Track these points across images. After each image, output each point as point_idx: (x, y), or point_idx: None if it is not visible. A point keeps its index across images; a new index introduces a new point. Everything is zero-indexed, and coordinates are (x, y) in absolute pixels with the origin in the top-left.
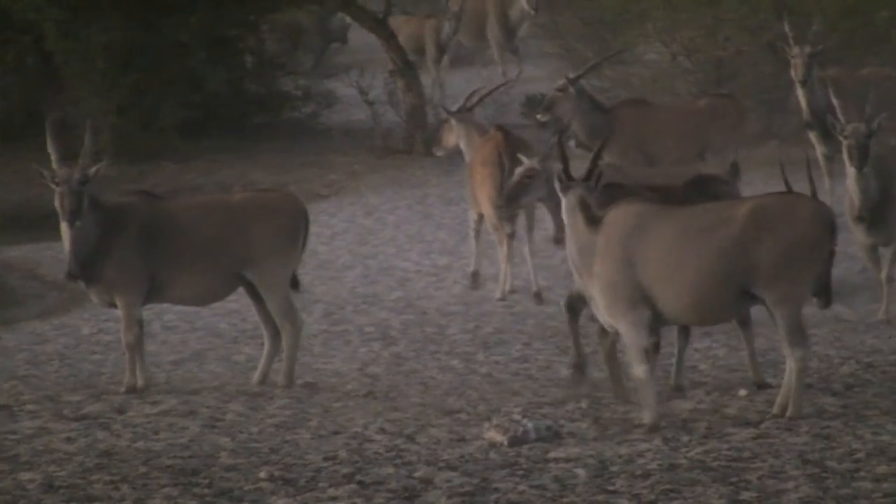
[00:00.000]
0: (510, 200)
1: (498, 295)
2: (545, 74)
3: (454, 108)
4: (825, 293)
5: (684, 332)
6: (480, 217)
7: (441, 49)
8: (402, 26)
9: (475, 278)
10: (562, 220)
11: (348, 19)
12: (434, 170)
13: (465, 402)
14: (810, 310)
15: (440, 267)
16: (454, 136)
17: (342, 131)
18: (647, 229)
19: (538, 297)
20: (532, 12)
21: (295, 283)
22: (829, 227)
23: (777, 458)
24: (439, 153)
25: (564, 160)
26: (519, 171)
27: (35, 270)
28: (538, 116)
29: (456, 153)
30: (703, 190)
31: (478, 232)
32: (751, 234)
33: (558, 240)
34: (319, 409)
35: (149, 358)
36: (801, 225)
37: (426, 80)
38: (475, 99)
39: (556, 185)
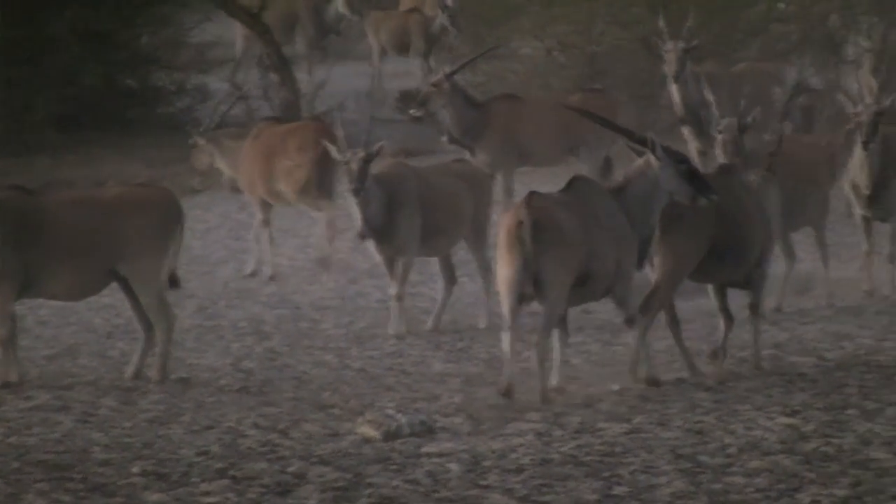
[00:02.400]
0: (361, 184)
1: (322, 258)
2: (419, 69)
3: (200, 129)
4: None
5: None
6: (265, 204)
7: (430, 42)
8: (381, 21)
9: (254, 274)
10: (372, 213)
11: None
12: None
13: (339, 397)
14: (683, 304)
15: (314, 262)
16: (207, 156)
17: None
18: None
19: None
20: (345, 14)
21: (175, 281)
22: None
23: (650, 452)
24: (198, 186)
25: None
26: (358, 157)
27: None
28: (412, 111)
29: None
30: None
31: (266, 221)
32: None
33: (363, 235)
34: (192, 404)
35: (22, 353)
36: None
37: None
38: (217, 116)
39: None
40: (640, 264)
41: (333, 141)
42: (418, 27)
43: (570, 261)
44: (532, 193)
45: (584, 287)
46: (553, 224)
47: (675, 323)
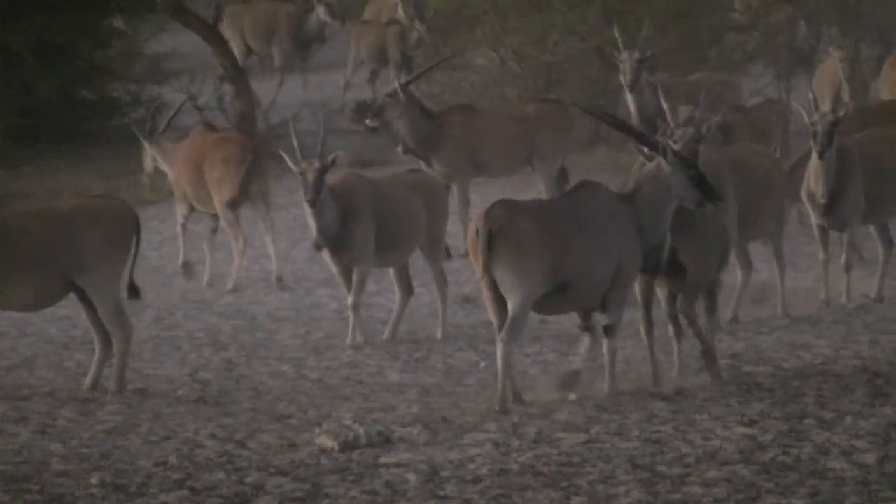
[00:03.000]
0: (316, 194)
1: (230, 286)
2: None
3: (144, 132)
4: None
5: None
6: (189, 212)
7: (406, 55)
8: (363, 33)
9: (187, 269)
10: (327, 224)
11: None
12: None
13: (296, 408)
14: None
15: (270, 272)
16: (150, 160)
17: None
18: None
19: (280, 281)
20: (327, 20)
21: (135, 292)
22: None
23: (608, 462)
24: (150, 195)
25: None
26: (314, 168)
27: None
28: (368, 122)
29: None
30: None
31: (184, 227)
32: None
33: (318, 245)
34: (150, 415)
35: None
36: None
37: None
38: (163, 122)
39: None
40: (656, 269)
41: (260, 154)
42: (396, 39)
43: (531, 269)
44: (498, 202)
45: (565, 294)
46: (512, 234)
47: (650, 327)
